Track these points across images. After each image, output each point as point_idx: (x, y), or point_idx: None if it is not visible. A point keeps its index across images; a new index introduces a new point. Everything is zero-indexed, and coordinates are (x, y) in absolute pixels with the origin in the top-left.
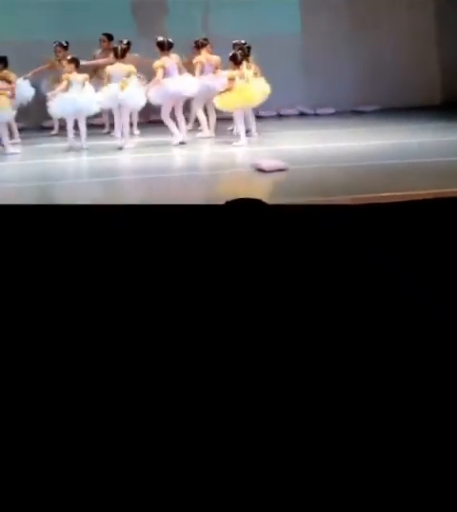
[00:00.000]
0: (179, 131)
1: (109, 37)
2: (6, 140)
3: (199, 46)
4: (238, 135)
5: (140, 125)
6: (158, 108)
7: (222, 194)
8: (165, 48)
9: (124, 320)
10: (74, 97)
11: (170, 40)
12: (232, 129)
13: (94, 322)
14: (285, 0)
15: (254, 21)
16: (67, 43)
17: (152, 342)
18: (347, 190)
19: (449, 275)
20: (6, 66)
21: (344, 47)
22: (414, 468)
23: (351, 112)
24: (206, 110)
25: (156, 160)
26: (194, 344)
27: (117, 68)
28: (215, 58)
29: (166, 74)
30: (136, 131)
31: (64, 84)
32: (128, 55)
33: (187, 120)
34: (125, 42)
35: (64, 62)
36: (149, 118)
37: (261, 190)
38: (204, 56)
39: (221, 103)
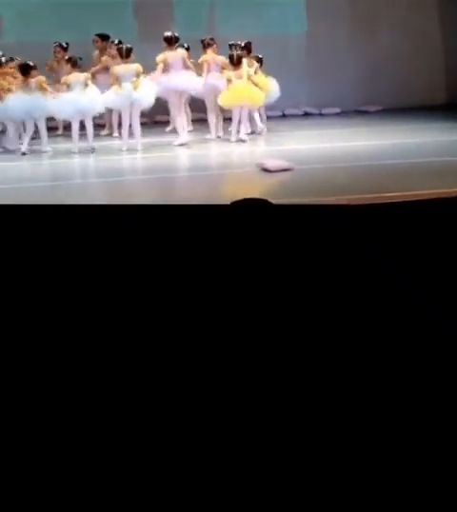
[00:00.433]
0: (182, 130)
1: (103, 37)
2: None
3: (205, 45)
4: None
5: (145, 125)
6: (163, 109)
7: (227, 194)
8: (171, 42)
9: (129, 319)
10: (75, 98)
11: (177, 35)
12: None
13: (99, 321)
14: (291, 1)
15: (260, 22)
16: (67, 44)
17: (157, 341)
18: (353, 190)
19: (451, 275)
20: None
21: (348, 47)
22: (414, 467)
23: (356, 112)
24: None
25: (161, 160)
26: (198, 343)
27: (124, 69)
28: (221, 58)
29: (169, 68)
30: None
31: (63, 87)
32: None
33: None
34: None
35: (63, 63)
36: (155, 118)
37: (266, 190)
38: (210, 56)
39: (222, 101)
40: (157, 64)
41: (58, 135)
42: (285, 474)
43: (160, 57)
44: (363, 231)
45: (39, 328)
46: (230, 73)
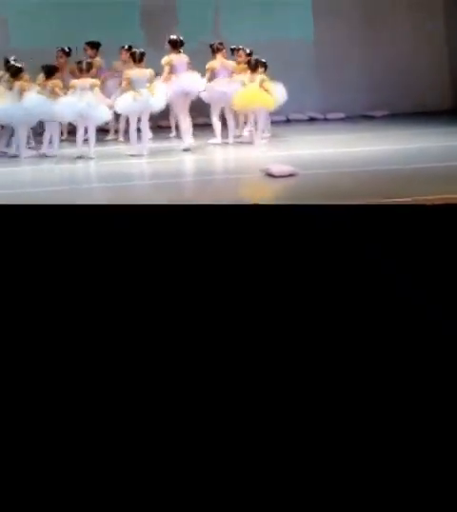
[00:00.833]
0: (186, 134)
1: (92, 45)
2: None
3: (215, 50)
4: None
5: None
6: (165, 114)
7: (231, 199)
8: (177, 45)
9: (134, 318)
10: (74, 101)
11: (182, 38)
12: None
13: (104, 319)
14: (297, 6)
15: (265, 26)
16: (69, 49)
17: (159, 341)
18: (358, 196)
19: (447, 276)
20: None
21: (354, 52)
22: (409, 464)
23: (361, 117)
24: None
25: (167, 165)
26: (198, 344)
27: (138, 73)
28: (231, 63)
29: (174, 71)
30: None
31: (70, 91)
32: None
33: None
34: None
35: (65, 68)
36: (158, 123)
37: (270, 195)
38: (219, 61)
39: (236, 105)
40: (163, 66)
41: (63, 140)
42: (285, 474)
43: (166, 59)
44: (363, 231)
45: (40, 328)
46: (245, 77)
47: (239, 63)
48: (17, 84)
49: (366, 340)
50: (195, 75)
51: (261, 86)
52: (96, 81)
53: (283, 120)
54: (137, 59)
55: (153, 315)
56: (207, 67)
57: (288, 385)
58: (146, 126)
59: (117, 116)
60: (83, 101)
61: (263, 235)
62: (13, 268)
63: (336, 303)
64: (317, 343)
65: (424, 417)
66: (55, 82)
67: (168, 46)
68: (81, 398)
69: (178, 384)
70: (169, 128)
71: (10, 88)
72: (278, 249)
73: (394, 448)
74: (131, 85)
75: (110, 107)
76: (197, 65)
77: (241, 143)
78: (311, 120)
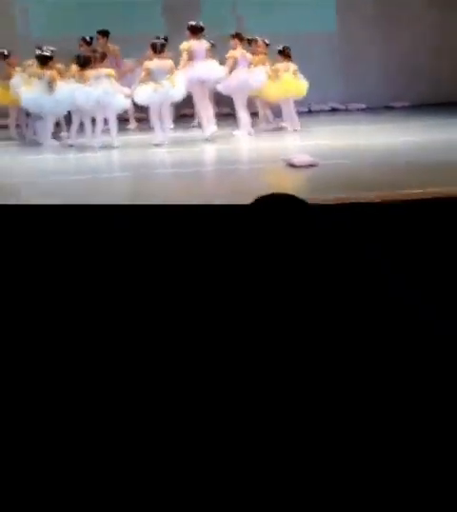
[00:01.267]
0: (207, 123)
1: (103, 34)
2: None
3: (238, 40)
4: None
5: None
6: (185, 102)
7: (252, 189)
8: (196, 31)
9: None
10: (89, 90)
11: (202, 24)
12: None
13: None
14: None
15: (287, 19)
16: (91, 38)
17: (163, 341)
18: (378, 187)
19: (441, 275)
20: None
21: (374, 43)
22: (403, 465)
23: (383, 108)
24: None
25: (188, 154)
26: (199, 344)
27: (158, 64)
28: (250, 55)
29: (193, 58)
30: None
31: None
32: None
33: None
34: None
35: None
36: (180, 112)
37: (291, 185)
38: (239, 51)
39: (269, 96)
40: (181, 52)
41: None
42: (285, 474)
43: (184, 45)
44: (363, 231)
45: (40, 327)
46: (279, 65)
47: (258, 53)
48: (47, 73)
49: (366, 340)
50: (213, 63)
51: (294, 74)
52: (111, 70)
53: (305, 111)
54: (158, 50)
55: (154, 315)
56: (228, 56)
57: (287, 383)
58: (167, 116)
59: (137, 106)
60: (99, 89)
61: (261, 234)
62: (13, 268)
63: (336, 303)
64: (317, 343)
65: (417, 416)
66: (88, 73)
67: (187, 32)
68: (81, 398)
69: (178, 383)
70: (193, 116)
71: (39, 77)
72: (278, 249)
73: (392, 447)
74: (152, 76)
75: (128, 96)
76: (217, 54)
77: (274, 130)
78: (333, 110)
